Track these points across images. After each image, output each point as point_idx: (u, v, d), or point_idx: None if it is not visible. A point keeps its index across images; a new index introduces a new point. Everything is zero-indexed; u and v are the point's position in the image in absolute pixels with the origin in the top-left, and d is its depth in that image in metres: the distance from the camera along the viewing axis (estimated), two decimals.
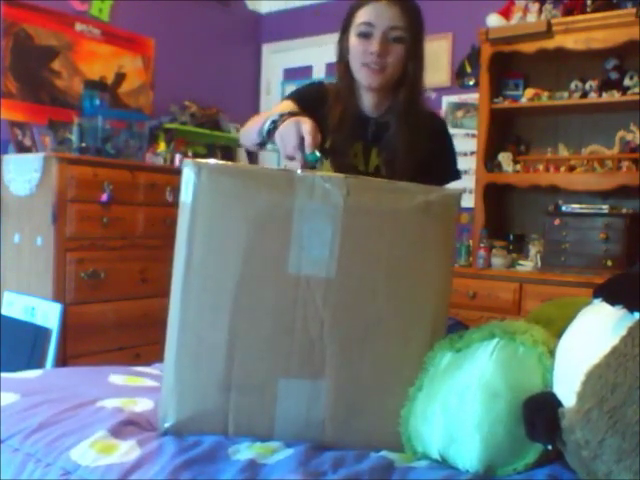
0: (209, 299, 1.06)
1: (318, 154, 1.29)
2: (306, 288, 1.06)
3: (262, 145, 1.43)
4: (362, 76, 1.50)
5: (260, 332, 1.06)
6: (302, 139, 1.26)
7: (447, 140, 1.67)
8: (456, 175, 1.68)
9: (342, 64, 1.56)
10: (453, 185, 1.59)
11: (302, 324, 1.06)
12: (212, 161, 1.09)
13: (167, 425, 1.08)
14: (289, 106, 1.48)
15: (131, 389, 1.35)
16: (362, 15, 1.48)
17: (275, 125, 1.32)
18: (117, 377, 1.45)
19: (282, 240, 1.05)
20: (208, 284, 1.06)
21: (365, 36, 1.47)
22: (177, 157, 3.68)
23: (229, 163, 1.14)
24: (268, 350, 1.07)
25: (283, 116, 1.33)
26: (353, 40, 1.50)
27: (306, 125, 1.26)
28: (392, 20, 1.45)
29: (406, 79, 1.52)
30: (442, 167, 1.62)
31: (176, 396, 1.07)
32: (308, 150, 1.25)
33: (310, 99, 1.57)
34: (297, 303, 1.06)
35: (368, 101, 1.58)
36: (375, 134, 1.57)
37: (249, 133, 1.51)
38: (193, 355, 1.06)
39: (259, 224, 1.05)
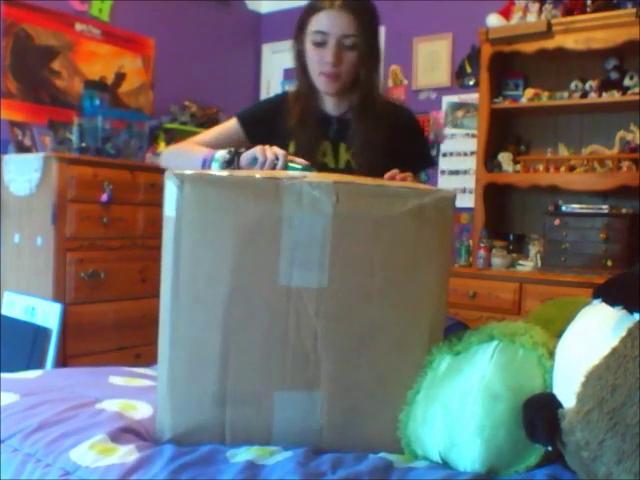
0: (199, 314, 1.04)
1: None
2: (298, 299, 1.03)
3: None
4: (320, 83, 1.55)
5: (253, 345, 1.04)
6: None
7: (413, 129, 1.70)
8: (429, 162, 1.73)
9: (299, 67, 1.60)
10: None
11: (295, 336, 1.04)
12: (195, 171, 1.06)
13: (164, 440, 1.07)
14: (226, 128, 1.66)
15: (131, 389, 1.35)
16: (316, 23, 1.51)
17: (232, 165, 1.42)
18: (117, 378, 1.45)
19: (271, 251, 1.02)
20: (198, 299, 1.03)
21: (320, 45, 1.50)
22: None
23: (213, 172, 1.10)
24: (262, 363, 1.05)
25: (232, 153, 1.43)
26: (309, 48, 1.53)
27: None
28: (345, 28, 1.48)
29: (359, 84, 1.57)
30: (412, 156, 1.65)
31: (171, 411, 1.06)
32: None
33: (266, 114, 1.65)
34: (289, 315, 1.04)
35: (329, 102, 1.63)
36: (339, 132, 1.61)
37: (185, 161, 1.55)
38: (186, 370, 1.05)
39: (247, 236, 1.02)
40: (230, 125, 1.67)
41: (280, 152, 1.36)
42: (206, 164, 1.45)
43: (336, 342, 1.05)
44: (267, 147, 1.38)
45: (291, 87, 1.68)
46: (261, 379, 1.05)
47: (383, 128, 1.58)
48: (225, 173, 1.19)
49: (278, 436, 1.06)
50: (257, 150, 1.37)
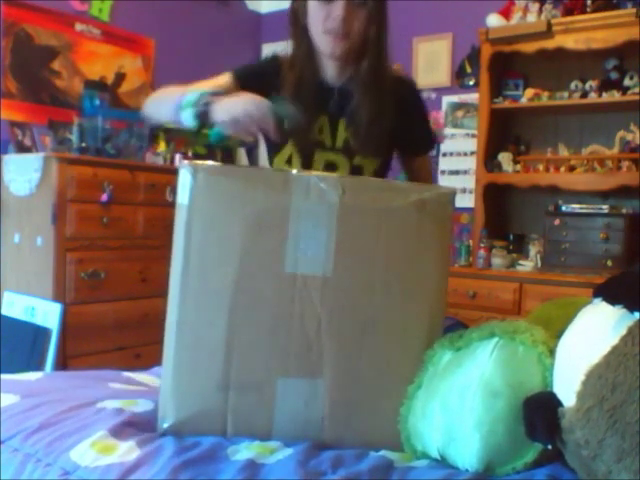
0: (207, 299, 1.06)
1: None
2: (303, 287, 1.06)
3: (199, 128, 1.28)
4: (324, 43, 1.37)
5: (258, 331, 1.07)
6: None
7: (419, 104, 1.56)
8: (431, 140, 1.59)
9: (298, 28, 1.42)
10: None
11: (299, 323, 1.07)
12: (209, 162, 1.09)
13: (166, 425, 1.08)
14: (220, 82, 1.38)
15: (131, 391, 1.35)
16: None
17: (198, 107, 1.23)
18: (117, 385, 1.45)
19: (279, 240, 1.06)
20: (206, 284, 1.06)
21: None
22: (177, 157, 3.68)
23: (225, 164, 1.14)
24: (266, 349, 1.07)
25: (203, 96, 1.23)
26: (313, 4, 1.35)
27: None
28: None
29: (369, 46, 1.39)
30: (417, 133, 1.54)
31: (174, 396, 1.07)
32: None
33: (260, 74, 1.44)
34: (294, 302, 1.06)
35: (330, 69, 1.43)
36: (339, 105, 1.43)
37: (161, 105, 1.38)
38: (191, 355, 1.07)
39: (256, 224, 1.06)
40: (225, 79, 1.44)
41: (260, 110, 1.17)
42: (178, 110, 1.26)
43: (339, 331, 1.07)
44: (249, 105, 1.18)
45: (282, 52, 1.48)
46: (265, 365, 1.07)
47: (390, 104, 1.41)
48: (239, 165, 1.19)
49: (279, 426, 1.08)
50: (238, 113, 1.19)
